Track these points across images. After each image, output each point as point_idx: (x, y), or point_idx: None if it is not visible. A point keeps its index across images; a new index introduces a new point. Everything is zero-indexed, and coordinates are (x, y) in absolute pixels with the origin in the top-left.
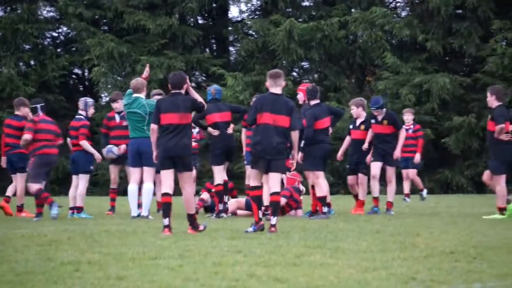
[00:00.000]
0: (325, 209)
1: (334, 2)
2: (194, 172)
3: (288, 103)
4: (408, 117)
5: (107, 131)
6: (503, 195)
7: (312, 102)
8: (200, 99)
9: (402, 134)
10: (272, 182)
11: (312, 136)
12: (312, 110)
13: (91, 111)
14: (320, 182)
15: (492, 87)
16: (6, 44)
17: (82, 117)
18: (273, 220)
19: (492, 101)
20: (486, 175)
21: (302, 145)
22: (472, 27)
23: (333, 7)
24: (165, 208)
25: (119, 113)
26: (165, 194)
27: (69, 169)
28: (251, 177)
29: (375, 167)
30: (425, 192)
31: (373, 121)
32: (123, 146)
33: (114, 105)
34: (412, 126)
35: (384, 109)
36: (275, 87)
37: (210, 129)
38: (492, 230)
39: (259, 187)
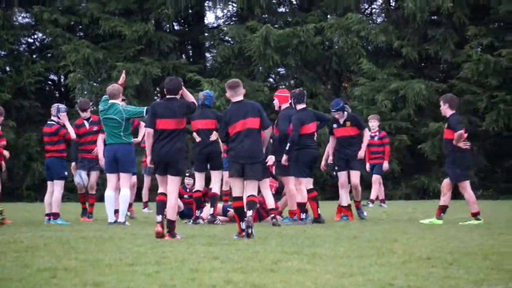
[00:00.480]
0: (303, 216)
1: (310, 8)
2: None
3: (253, 105)
4: (373, 123)
5: (76, 138)
6: (473, 200)
7: (299, 107)
8: (192, 99)
9: (366, 134)
10: (248, 188)
11: (297, 141)
12: (298, 115)
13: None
14: (302, 188)
15: (444, 96)
16: None
17: (54, 122)
18: (249, 212)
19: (446, 110)
20: (446, 184)
21: (287, 148)
22: (448, 33)
23: (309, 13)
24: (159, 205)
25: (87, 119)
26: (161, 194)
27: (44, 175)
28: (233, 188)
29: (342, 176)
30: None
31: (335, 125)
32: (95, 150)
33: (83, 114)
34: (377, 133)
35: (346, 112)
36: (236, 96)
37: (194, 134)
38: (468, 236)
39: (240, 198)
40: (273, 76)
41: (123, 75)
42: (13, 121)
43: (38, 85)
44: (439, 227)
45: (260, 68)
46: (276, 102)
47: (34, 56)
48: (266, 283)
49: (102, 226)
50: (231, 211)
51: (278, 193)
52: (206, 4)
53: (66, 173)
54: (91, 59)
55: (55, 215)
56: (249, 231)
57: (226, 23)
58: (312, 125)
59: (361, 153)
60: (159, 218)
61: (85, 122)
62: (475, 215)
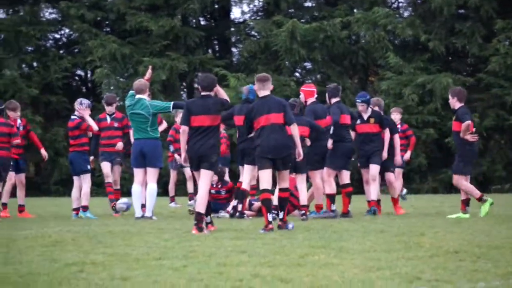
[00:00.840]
0: (333, 207)
1: (336, 2)
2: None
3: (278, 101)
4: (395, 116)
5: (98, 132)
6: (471, 188)
7: (333, 101)
8: (226, 96)
9: (387, 135)
10: (280, 180)
11: (338, 132)
12: (336, 105)
13: (87, 111)
14: (331, 180)
15: (453, 89)
16: (8, 46)
17: (76, 117)
18: (281, 214)
19: (454, 103)
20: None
21: (331, 132)
22: (475, 27)
23: (335, 7)
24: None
25: (110, 115)
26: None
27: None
28: (260, 181)
29: (365, 173)
30: (404, 191)
31: (358, 121)
32: (120, 144)
33: (108, 108)
34: (399, 126)
35: (370, 108)
36: (264, 90)
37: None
38: (495, 229)
39: (268, 190)
40: (300, 70)
41: (150, 70)
42: (41, 117)
43: (65, 81)
44: (466, 220)
45: (287, 62)
46: (302, 96)
47: (61, 51)
48: (293, 277)
49: (129, 220)
50: (256, 204)
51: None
52: None
53: (88, 166)
54: (118, 54)
55: (85, 208)
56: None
57: (252, 17)
58: (348, 118)
59: (398, 158)
60: (207, 219)
61: (108, 116)
62: (480, 200)
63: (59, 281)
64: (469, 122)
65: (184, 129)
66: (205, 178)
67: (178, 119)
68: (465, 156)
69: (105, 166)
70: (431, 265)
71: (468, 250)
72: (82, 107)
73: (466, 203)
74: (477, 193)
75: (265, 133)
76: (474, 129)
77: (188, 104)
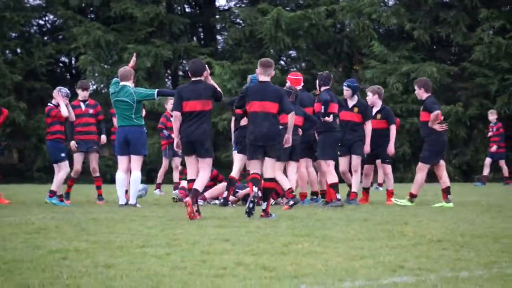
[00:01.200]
0: (338, 196)
1: None
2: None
3: (276, 90)
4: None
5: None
6: (420, 184)
7: (323, 89)
8: (217, 88)
9: (369, 127)
10: (266, 168)
11: (326, 122)
12: (326, 92)
13: (63, 99)
14: (332, 170)
15: (419, 79)
16: None
17: (51, 104)
18: (264, 205)
19: (422, 94)
20: (436, 168)
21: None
22: (459, 16)
23: None
24: (193, 193)
25: (84, 101)
26: (190, 181)
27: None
28: (251, 169)
29: (344, 163)
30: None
31: (342, 108)
32: (103, 137)
33: (83, 93)
34: None
35: (356, 96)
36: (264, 76)
37: None
38: (478, 218)
39: (258, 174)
40: (284, 58)
41: (134, 57)
42: (24, 103)
43: (49, 67)
44: (450, 209)
45: (271, 50)
46: (288, 84)
47: (45, 38)
48: (276, 266)
49: (113, 208)
50: (240, 192)
51: None
52: None
53: (62, 154)
54: (102, 41)
55: (52, 193)
56: (250, 205)
57: (237, 5)
58: (336, 106)
59: (390, 148)
60: (195, 207)
61: (81, 103)
62: (412, 197)
63: (43, 268)
64: (438, 111)
65: (176, 114)
66: (205, 165)
67: (168, 106)
68: (432, 146)
69: (78, 161)
70: (414, 253)
71: (451, 239)
72: (58, 94)
73: (446, 191)
74: (415, 189)
75: (258, 120)
76: (442, 118)
77: (179, 89)
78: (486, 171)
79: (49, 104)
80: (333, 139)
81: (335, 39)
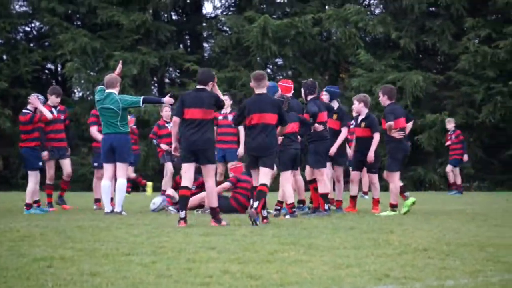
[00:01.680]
0: (326, 206)
1: None
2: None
3: (274, 101)
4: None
5: (43, 125)
6: (396, 192)
7: (310, 97)
8: (222, 97)
9: (343, 133)
10: (260, 176)
11: (316, 131)
12: (312, 102)
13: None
14: (324, 179)
15: (384, 87)
16: None
17: (28, 111)
18: (255, 204)
19: (385, 101)
20: (385, 173)
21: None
22: (445, 25)
23: (307, 3)
24: (182, 201)
25: (55, 107)
26: (183, 187)
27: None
28: (253, 178)
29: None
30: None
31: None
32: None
33: (57, 99)
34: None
35: (337, 103)
36: (260, 88)
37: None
38: (464, 227)
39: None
40: (271, 66)
41: (120, 65)
42: (10, 110)
43: (35, 74)
44: (435, 218)
45: (258, 58)
46: (279, 93)
47: (31, 44)
48: (262, 274)
49: (99, 215)
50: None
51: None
52: None
53: (40, 163)
54: (88, 48)
55: (28, 206)
56: (253, 220)
57: (224, 13)
58: (325, 114)
59: (370, 156)
60: (182, 214)
61: (53, 109)
62: (393, 207)
63: (27, 276)
64: (391, 123)
65: (175, 120)
66: (209, 172)
67: (163, 113)
68: (393, 153)
69: (51, 167)
70: (400, 262)
71: (436, 248)
72: (37, 99)
73: (402, 190)
74: (395, 199)
75: (255, 133)
76: (404, 126)
77: (182, 96)
78: (458, 180)
79: (24, 110)
80: (324, 147)
81: (321, 47)
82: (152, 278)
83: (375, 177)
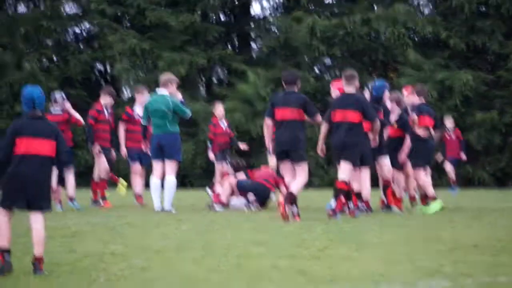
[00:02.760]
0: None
1: None
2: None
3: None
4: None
5: (93, 122)
6: (427, 186)
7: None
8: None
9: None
10: (340, 171)
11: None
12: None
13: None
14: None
15: (417, 85)
16: (29, 40)
17: (59, 112)
18: (333, 203)
19: (415, 100)
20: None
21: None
22: (495, 25)
23: (355, 4)
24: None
25: (107, 108)
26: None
27: (90, 162)
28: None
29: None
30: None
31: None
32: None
33: (109, 100)
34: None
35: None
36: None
37: None
38: None
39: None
40: (319, 66)
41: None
42: None
43: (84, 75)
44: (486, 215)
45: (306, 58)
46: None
47: (81, 46)
48: (312, 270)
49: (148, 212)
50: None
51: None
52: None
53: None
54: (138, 49)
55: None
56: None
57: (272, 14)
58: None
59: (402, 156)
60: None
61: (105, 110)
62: (433, 199)
63: (79, 271)
64: (415, 117)
65: (266, 121)
66: (301, 170)
67: (217, 113)
68: (417, 151)
69: (104, 162)
70: (451, 258)
71: (488, 244)
72: (63, 101)
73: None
74: (429, 193)
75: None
76: (431, 125)
77: (272, 98)
78: (453, 176)
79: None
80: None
81: (370, 47)
82: (202, 273)
83: (400, 175)
